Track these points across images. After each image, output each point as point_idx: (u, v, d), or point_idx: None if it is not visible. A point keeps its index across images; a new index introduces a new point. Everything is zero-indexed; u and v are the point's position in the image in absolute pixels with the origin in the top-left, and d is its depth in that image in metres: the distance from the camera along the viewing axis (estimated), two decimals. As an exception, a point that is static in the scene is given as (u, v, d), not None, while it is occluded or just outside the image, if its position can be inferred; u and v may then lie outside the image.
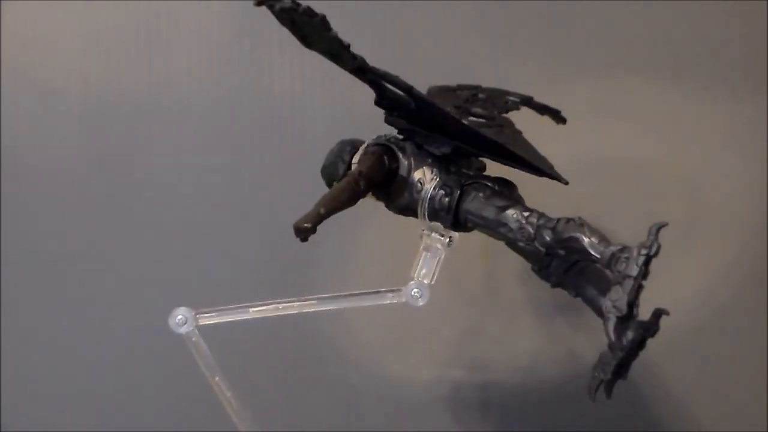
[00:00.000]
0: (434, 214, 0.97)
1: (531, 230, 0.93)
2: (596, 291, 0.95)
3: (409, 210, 0.98)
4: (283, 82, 1.35)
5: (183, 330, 0.97)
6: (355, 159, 0.98)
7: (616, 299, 0.88)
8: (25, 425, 1.38)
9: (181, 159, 1.38)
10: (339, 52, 0.84)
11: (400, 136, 0.99)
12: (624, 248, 0.89)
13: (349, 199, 0.92)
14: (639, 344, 0.92)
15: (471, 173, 0.98)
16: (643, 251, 0.87)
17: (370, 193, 0.98)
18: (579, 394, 1.37)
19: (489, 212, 0.94)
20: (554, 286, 0.99)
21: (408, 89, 0.89)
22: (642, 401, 1.40)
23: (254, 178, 1.37)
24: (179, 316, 0.97)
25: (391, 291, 0.95)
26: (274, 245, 1.38)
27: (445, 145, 0.97)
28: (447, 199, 0.95)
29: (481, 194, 0.96)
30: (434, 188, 0.96)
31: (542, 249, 0.93)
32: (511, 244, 0.96)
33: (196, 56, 1.36)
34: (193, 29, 1.36)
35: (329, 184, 0.99)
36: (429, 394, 1.40)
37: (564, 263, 0.97)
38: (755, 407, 1.40)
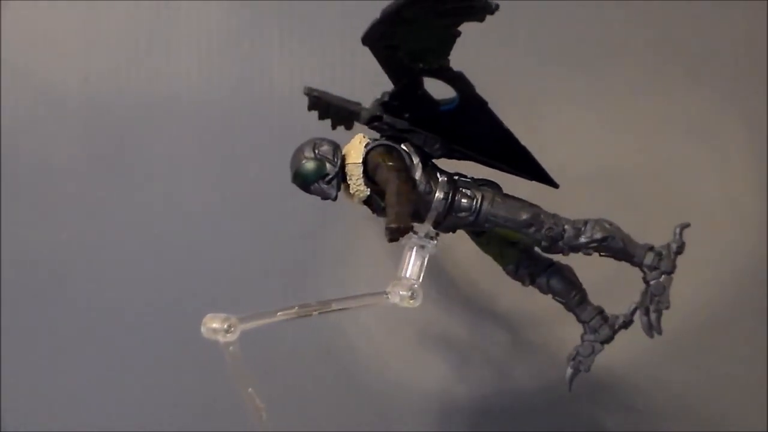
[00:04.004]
0: (447, 215, 0.97)
1: (558, 231, 0.96)
2: (573, 292, 1.03)
3: None
4: (283, 82, 1.35)
5: (230, 338, 0.88)
6: (354, 159, 0.96)
7: (658, 294, 0.97)
8: (25, 425, 1.38)
9: (180, 159, 1.37)
10: (444, 49, 0.87)
11: (380, 137, 0.98)
12: (652, 247, 0.97)
13: (414, 194, 0.94)
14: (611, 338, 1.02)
15: (470, 176, 0.99)
16: (675, 249, 0.96)
17: (358, 197, 0.97)
18: (578, 396, 1.38)
19: (515, 214, 0.97)
20: (527, 285, 1.04)
21: (472, 87, 0.92)
22: (642, 401, 1.40)
23: (254, 178, 1.37)
24: (227, 324, 0.88)
25: (383, 293, 0.95)
26: (274, 245, 1.38)
27: (443, 147, 0.98)
28: (467, 200, 0.96)
29: (496, 195, 0.97)
30: (449, 190, 0.96)
31: (565, 248, 0.97)
32: (530, 243, 1.00)
33: (196, 56, 1.36)
34: (193, 29, 1.36)
35: (305, 186, 0.97)
36: (432, 399, 1.41)
37: (540, 264, 1.03)
38: (755, 407, 1.40)
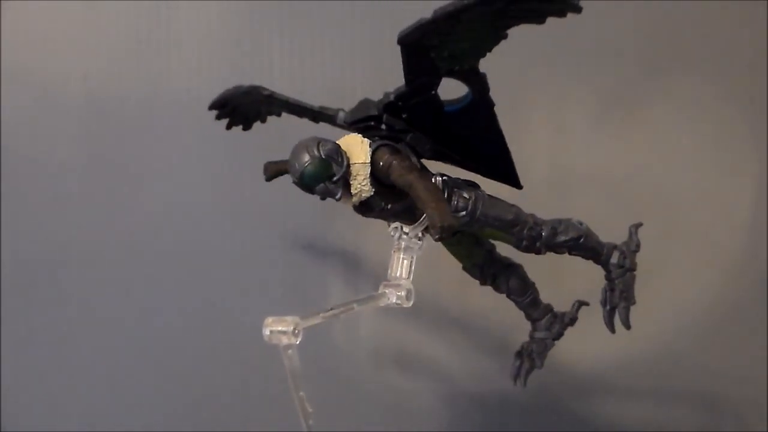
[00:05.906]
0: None
1: (538, 231, 0.98)
2: (528, 291, 1.05)
3: (406, 213, 0.96)
4: (283, 82, 1.35)
5: (295, 341, 0.85)
6: (360, 159, 0.95)
7: (625, 290, 0.99)
8: (25, 425, 1.38)
9: (180, 158, 1.38)
10: (483, 51, 0.86)
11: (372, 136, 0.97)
12: (615, 246, 1.00)
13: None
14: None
15: (454, 176, 0.99)
16: (634, 248, 0.99)
17: (359, 198, 0.96)
18: (576, 397, 1.38)
19: (505, 214, 0.98)
20: (488, 284, 1.06)
21: (488, 89, 0.91)
22: (642, 401, 1.40)
23: (254, 179, 1.37)
24: (293, 326, 0.84)
25: (383, 294, 0.95)
26: (274, 245, 1.38)
27: (432, 149, 0.97)
28: (463, 201, 0.96)
29: (485, 195, 0.97)
30: (444, 190, 0.96)
31: (542, 248, 0.98)
32: (510, 242, 1.00)
33: (196, 56, 1.36)
34: (193, 29, 1.36)
35: (310, 187, 0.93)
36: (435, 400, 1.41)
37: (500, 264, 1.05)
38: (755, 407, 1.40)
